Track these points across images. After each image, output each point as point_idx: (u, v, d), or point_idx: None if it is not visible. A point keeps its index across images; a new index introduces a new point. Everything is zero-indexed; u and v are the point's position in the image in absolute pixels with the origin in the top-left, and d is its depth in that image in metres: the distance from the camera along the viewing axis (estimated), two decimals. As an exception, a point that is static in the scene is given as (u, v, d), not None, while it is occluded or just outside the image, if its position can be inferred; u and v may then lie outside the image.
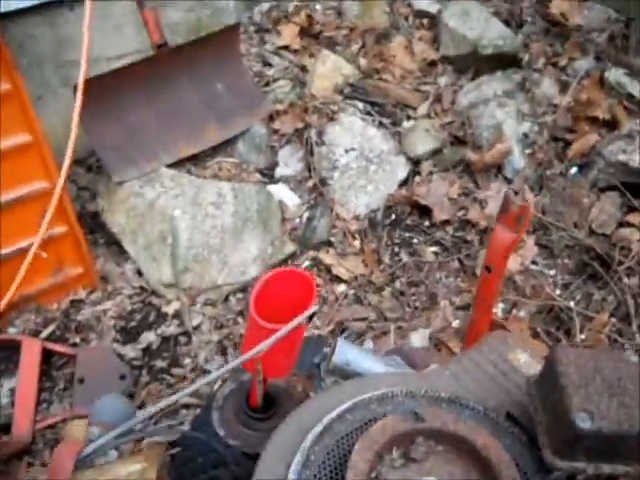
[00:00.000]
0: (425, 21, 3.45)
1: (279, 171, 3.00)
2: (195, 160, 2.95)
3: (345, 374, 1.36)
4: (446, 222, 2.80)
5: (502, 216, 1.30)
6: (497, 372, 1.20)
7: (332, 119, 3.02)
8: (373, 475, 0.94)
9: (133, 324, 2.60)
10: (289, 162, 3.01)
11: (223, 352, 2.48)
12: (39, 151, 2.46)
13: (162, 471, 0.97)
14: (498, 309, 2.39)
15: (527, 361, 1.22)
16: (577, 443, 0.93)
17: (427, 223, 2.83)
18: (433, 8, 3.43)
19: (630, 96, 3.01)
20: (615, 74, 3.09)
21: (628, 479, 0.98)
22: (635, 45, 3.22)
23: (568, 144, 2.95)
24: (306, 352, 1.58)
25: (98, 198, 2.91)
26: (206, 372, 2.42)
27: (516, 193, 2.75)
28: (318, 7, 3.60)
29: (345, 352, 1.34)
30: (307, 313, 1.15)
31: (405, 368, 1.45)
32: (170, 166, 2.85)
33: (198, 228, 2.65)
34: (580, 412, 0.93)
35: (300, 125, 3.03)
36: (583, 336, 2.24)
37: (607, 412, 0.94)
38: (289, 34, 3.42)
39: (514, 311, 2.37)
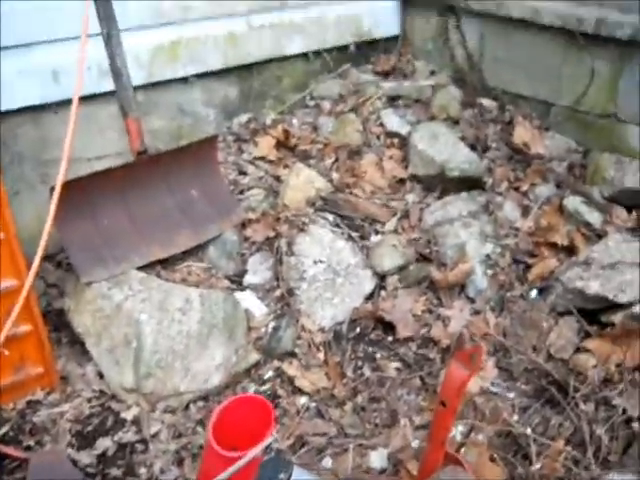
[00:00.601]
0: (396, 141, 3.62)
1: (248, 278, 3.04)
2: (165, 263, 2.99)
3: (301, 504, 1.36)
4: (409, 338, 2.84)
5: (457, 353, 1.35)
6: (450, 511, 1.22)
7: (302, 230, 3.11)
8: None
9: (90, 429, 2.55)
10: (258, 270, 3.07)
11: (180, 463, 2.43)
12: (9, 249, 2.47)
13: None
14: (457, 432, 2.40)
15: (480, 500, 1.25)
16: None
17: (391, 338, 2.88)
18: (404, 129, 3.61)
19: (587, 224, 3.15)
20: (573, 202, 3.25)
21: None
22: (592, 175, 3.40)
23: (529, 267, 3.06)
24: (264, 475, 1.58)
25: (65, 297, 2.91)
26: (160, 484, 2.38)
27: (477, 312, 2.83)
28: (295, 121, 3.77)
29: (301, 482, 1.34)
30: (263, 444, 1.17)
31: (361, 498, 1.45)
32: (139, 268, 2.88)
33: (163, 333, 2.66)
34: None
35: (271, 234, 3.11)
36: (539, 465, 2.26)
37: None
38: (266, 145, 3.56)
39: (472, 434, 2.39)
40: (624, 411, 2.43)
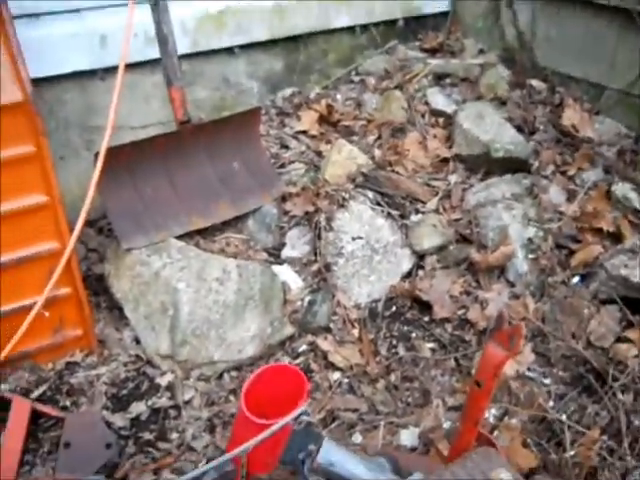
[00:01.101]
0: (440, 119, 3.56)
1: (285, 252, 3.04)
2: (204, 233, 3.00)
3: (328, 474, 1.36)
4: (445, 319, 2.81)
5: (495, 333, 1.33)
6: (480, 491, 1.20)
7: (342, 206, 3.08)
8: None
9: (125, 392, 2.60)
10: (296, 244, 3.06)
11: (212, 430, 2.46)
12: (54, 212, 2.52)
13: None
14: (490, 415, 2.37)
15: (510, 482, 1.23)
16: None
17: (427, 318, 2.85)
18: (449, 108, 3.55)
19: (636, 211, 3.06)
20: (622, 188, 3.15)
21: None
22: (643, 162, 3.30)
23: (572, 253, 2.98)
24: (293, 444, 1.58)
25: (105, 262, 2.95)
26: (192, 449, 2.40)
27: (517, 297, 2.77)
28: (339, 97, 3.73)
29: (330, 453, 1.34)
30: (295, 413, 1.17)
31: (388, 472, 1.44)
32: (179, 237, 2.90)
33: (200, 302, 2.68)
34: None
35: (311, 209, 3.09)
36: (573, 452, 2.22)
37: None
38: (308, 120, 3.53)
39: (506, 418, 2.36)
40: (664, 403, 2.38)
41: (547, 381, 2.56)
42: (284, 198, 3.16)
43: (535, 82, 3.71)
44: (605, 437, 2.31)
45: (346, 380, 2.65)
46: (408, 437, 2.35)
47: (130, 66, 2.72)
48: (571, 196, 3.22)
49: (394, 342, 2.79)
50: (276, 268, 2.96)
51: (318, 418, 2.45)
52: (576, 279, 2.90)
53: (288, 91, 3.74)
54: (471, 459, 1.25)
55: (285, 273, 2.96)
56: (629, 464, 2.24)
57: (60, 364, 2.68)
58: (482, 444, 1.35)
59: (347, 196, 3.12)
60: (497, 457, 1.27)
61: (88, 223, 3.02)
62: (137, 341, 2.76)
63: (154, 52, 2.83)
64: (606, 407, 2.41)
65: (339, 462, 1.35)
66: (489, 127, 3.37)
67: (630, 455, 2.26)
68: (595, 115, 3.54)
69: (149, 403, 2.55)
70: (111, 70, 2.83)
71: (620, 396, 2.42)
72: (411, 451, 2.31)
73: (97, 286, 2.97)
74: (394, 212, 3.15)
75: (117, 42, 2.57)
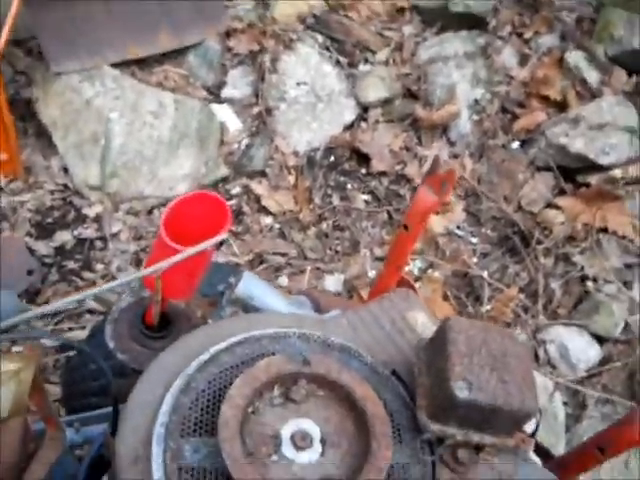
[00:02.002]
0: (401, -34, 3.36)
1: (226, 92, 2.92)
2: (141, 64, 2.85)
3: (246, 307, 1.36)
4: (383, 173, 2.80)
5: (428, 178, 1.31)
6: (393, 329, 1.21)
7: (289, 47, 2.95)
8: (250, 410, 0.94)
9: (50, 221, 2.53)
10: (238, 84, 2.93)
11: (138, 264, 2.45)
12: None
13: (39, 374, 0.96)
14: (415, 267, 2.43)
15: (424, 323, 1.24)
16: (452, 410, 0.96)
17: (364, 171, 2.83)
18: (411, -45, 3.35)
19: (584, 81, 3.03)
20: (575, 56, 3.10)
21: (493, 449, 1.01)
22: (600, 31, 3.22)
23: (516, 118, 2.97)
24: (215, 278, 1.57)
25: (33, 86, 2.77)
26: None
27: (455, 156, 2.77)
28: None
29: (250, 285, 1.33)
30: (215, 239, 1.13)
31: (308, 310, 1.46)
32: (114, 66, 2.73)
33: (133, 135, 2.58)
34: (459, 381, 0.95)
35: (256, 48, 2.95)
36: (489, 306, 2.31)
37: (485, 384, 0.96)
38: (261, -50, 3.28)
39: (430, 271, 2.42)
40: (582, 269, 2.47)
41: (474, 240, 2.62)
42: (228, 34, 2.99)
43: None
44: (522, 296, 2.40)
45: (277, 225, 2.64)
46: (333, 283, 2.39)
47: None
48: (523, 60, 3.15)
49: (329, 192, 2.77)
50: (215, 107, 2.85)
51: (246, 260, 2.46)
52: (516, 144, 2.90)
53: None
54: (389, 299, 1.26)
55: (224, 113, 2.85)
56: (540, 322, 2.35)
57: (-18, 188, 2.58)
58: (403, 287, 1.37)
59: (295, 37, 2.98)
60: (415, 299, 1.27)
61: (16, 42, 2.81)
62: (65, 170, 2.66)
63: None
64: (527, 268, 2.49)
65: (258, 295, 1.35)
66: (450, -21, 3.21)
67: (543, 314, 2.37)
68: (560, -23, 3.41)
69: (75, 233, 2.51)
70: None
71: (542, 259, 2.50)
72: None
73: (25, 111, 2.81)
74: (342, 59, 3.03)
75: None
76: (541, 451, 1.18)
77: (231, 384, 0.94)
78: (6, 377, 0.91)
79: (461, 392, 0.94)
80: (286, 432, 0.92)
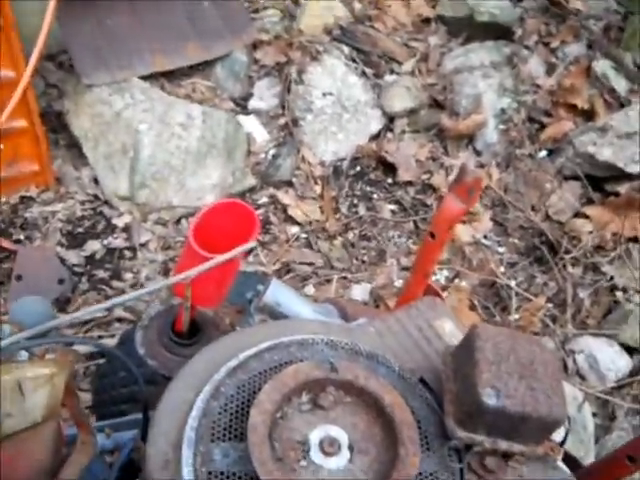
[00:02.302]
0: (427, -24, 3.38)
1: (253, 103, 2.95)
2: (169, 77, 2.88)
3: (274, 314, 1.37)
4: (409, 183, 2.80)
5: (455, 186, 1.31)
6: (420, 336, 1.22)
7: (315, 59, 2.97)
8: (278, 415, 0.95)
9: (80, 230, 2.57)
10: (264, 95, 2.96)
11: (166, 273, 2.47)
12: (7, 37, 2.36)
13: (72, 380, 0.97)
14: (442, 276, 2.42)
15: (452, 330, 1.24)
16: (479, 417, 0.96)
17: (390, 181, 2.83)
18: (436, -35, 3.36)
19: (612, 90, 3.01)
20: (603, 65, 3.09)
21: (522, 457, 1.01)
22: (628, 40, 3.20)
23: (543, 127, 2.96)
24: (243, 286, 1.58)
25: (65, 98, 2.83)
26: (146, 290, 2.42)
27: (482, 166, 2.77)
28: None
29: (277, 292, 1.34)
30: (244, 247, 1.15)
31: (335, 317, 1.46)
32: (143, 78, 2.78)
33: (162, 146, 2.61)
34: (487, 388, 0.95)
35: (282, 59, 2.98)
36: (517, 316, 2.29)
37: (514, 392, 0.96)
38: (287, -36, 3.32)
39: (457, 280, 2.41)
40: (611, 279, 2.44)
41: (501, 249, 2.60)
42: (255, 46, 3.02)
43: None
44: (550, 306, 2.38)
45: (304, 235, 2.65)
46: (359, 292, 2.39)
47: None
48: (550, 69, 3.14)
49: (355, 201, 2.78)
50: (242, 118, 2.88)
51: (273, 269, 2.47)
52: (543, 153, 2.89)
53: None
54: (416, 307, 1.26)
55: (251, 124, 2.88)
56: (569, 332, 2.33)
57: (14, 198, 2.63)
58: (429, 295, 1.37)
59: (321, 49, 3.00)
60: (442, 307, 1.28)
61: (48, 57, 2.88)
62: (95, 181, 2.71)
63: None
64: (555, 278, 2.47)
65: (286, 302, 1.36)
66: (476, -11, 3.22)
67: (571, 324, 2.34)
68: (586, -14, 3.40)
69: (105, 242, 2.54)
70: None
71: (570, 269, 2.48)
72: (361, 305, 2.36)
73: (56, 123, 2.87)
74: (368, 70, 3.04)
75: None
76: (570, 460, 1.16)
77: (260, 390, 0.95)
78: (40, 382, 0.93)
79: (489, 399, 0.94)
80: (314, 438, 0.93)
